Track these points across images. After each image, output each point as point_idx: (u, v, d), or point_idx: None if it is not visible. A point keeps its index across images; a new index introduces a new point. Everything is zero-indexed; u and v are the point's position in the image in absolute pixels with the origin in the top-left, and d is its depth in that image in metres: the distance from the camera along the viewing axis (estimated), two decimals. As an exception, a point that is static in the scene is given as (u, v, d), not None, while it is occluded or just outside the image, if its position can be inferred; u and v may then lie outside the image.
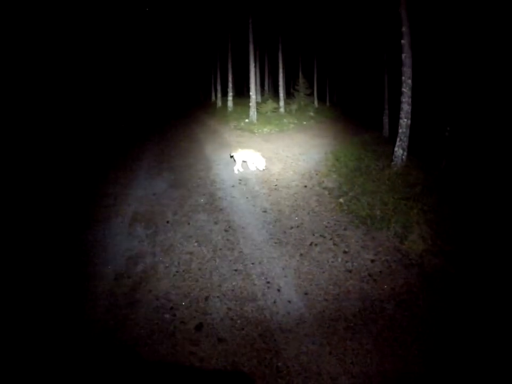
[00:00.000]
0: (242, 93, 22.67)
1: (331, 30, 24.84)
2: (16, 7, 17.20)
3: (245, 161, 11.35)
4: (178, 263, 6.52)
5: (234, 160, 11.15)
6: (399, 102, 11.50)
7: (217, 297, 5.68)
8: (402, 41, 10.89)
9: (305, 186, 10.18)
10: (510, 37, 12.55)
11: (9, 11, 16.94)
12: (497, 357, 4.74)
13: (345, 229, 7.93)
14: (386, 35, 16.35)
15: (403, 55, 10.95)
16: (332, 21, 23.61)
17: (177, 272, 6.27)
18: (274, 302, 5.61)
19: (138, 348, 4.69)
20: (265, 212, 8.69)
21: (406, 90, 11.02)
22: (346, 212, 8.72)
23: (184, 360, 4.52)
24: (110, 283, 5.97)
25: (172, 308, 5.42)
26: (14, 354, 4.57)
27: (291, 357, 4.62)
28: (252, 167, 11.31)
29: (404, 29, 10.84)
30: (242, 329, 5.06)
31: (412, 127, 11.36)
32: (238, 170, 11.19)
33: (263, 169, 11.08)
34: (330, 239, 7.53)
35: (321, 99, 27.02)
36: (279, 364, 4.50)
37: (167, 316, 5.27)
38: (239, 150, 11.46)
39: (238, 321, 5.19)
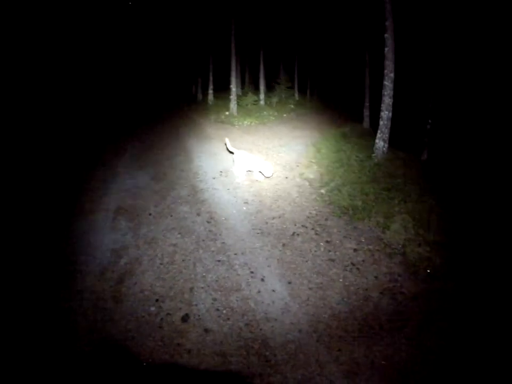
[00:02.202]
0: (223, 86, 22.55)
1: (313, 22, 24.75)
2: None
3: (250, 171, 10.30)
4: (162, 255, 6.51)
5: (233, 159, 10.45)
6: (380, 95, 11.60)
7: (202, 288, 5.69)
8: (386, 35, 10.94)
9: (286, 177, 10.22)
10: (490, 32, 12.75)
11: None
12: (485, 344, 4.84)
13: (326, 219, 8.00)
14: (369, 28, 16.40)
15: (386, 49, 11.01)
16: (313, 13, 23.57)
17: (161, 264, 6.27)
18: (259, 291, 5.64)
19: (127, 342, 4.70)
20: (246, 203, 8.73)
21: (388, 83, 11.09)
22: (327, 202, 8.79)
23: (172, 352, 4.53)
24: (95, 277, 5.95)
25: (157, 300, 5.42)
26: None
27: (278, 345, 4.66)
28: (257, 175, 10.23)
29: (387, 22, 10.88)
30: (228, 319, 5.08)
31: (394, 120, 11.47)
32: (239, 177, 10.27)
33: (270, 176, 10.10)
34: (312, 229, 7.59)
35: (302, 91, 26.97)
36: (267, 353, 4.54)
37: (153, 308, 5.26)
38: (242, 150, 10.62)
39: (224, 312, 5.21)
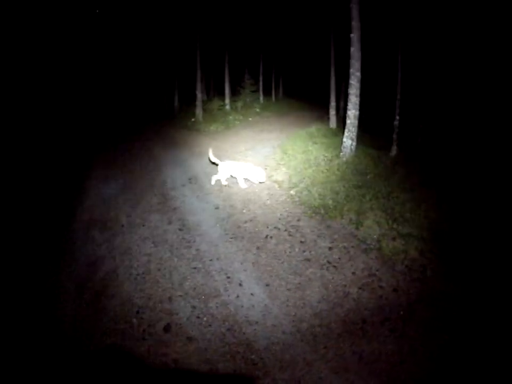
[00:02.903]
0: (189, 94, 22.50)
1: (278, 23, 24.95)
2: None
3: (233, 177, 10.15)
4: (138, 266, 6.44)
5: (218, 170, 10.20)
6: (346, 94, 11.74)
7: (180, 296, 5.66)
8: (352, 35, 11.07)
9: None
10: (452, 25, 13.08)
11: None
12: (468, 329, 4.96)
13: (299, 220, 8.05)
14: (335, 28, 16.57)
15: (352, 49, 11.14)
16: (278, 13, 23.74)
17: (137, 275, 6.20)
18: (238, 296, 5.64)
19: (112, 356, 4.65)
20: (217, 208, 8.73)
21: (354, 82, 11.23)
22: (298, 203, 8.85)
23: (158, 363, 4.50)
24: (73, 292, 5.86)
25: (138, 312, 5.36)
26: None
27: (263, 348, 4.67)
28: (242, 183, 10.03)
29: (353, 23, 11.01)
30: (210, 325, 5.06)
31: (363, 118, 11.62)
32: (223, 183, 10.16)
33: (263, 182, 9.95)
34: (285, 230, 7.62)
35: (268, 94, 27.15)
36: (253, 357, 4.54)
37: (134, 320, 5.21)
38: (226, 160, 10.42)
39: (204, 319, 5.19)
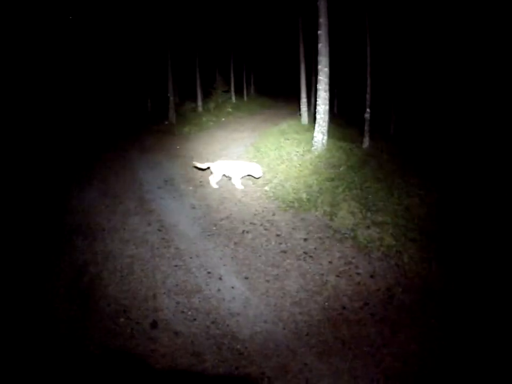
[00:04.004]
0: (161, 97, 22.45)
1: (247, 24, 25.04)
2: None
3: (227, 176, 10.18)
4: (121, 268, 6.55)
5: (211, 172, 10.20)
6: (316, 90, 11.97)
7: (164, 293, 5.82)
8: (319, 31, 11.34)
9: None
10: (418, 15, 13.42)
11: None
12: (444, 311, 5.25)
13: (273, 214, 8.30)
14: (304, 25, 16.72)
15: (319, 45, 11.42)
16: (247, 14, 23.86)
17: (121, 276, 6.32)
18: (219, 290, 5.85)
19: (103, 356, 4.76)
20: (193, 208, 8.91)
21: (323, 78, 11.50)
22: (272, 198, 9.10)
23: (148, 359, 4.64)
24: (61, 297, 5.92)
25: (124, 311, 5.49)
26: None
27: (247, 338, 4.88)
28: (238, 184, 10.06)
29: (321, 20, 11.27)
30: (195, 319, 5.25)
31: (333, 112, 11.86)
32: (217, 184, 10.13)
33: (260, 176, 9.99)
34: (261, 225, 7.87)
35: (239, 93, 27.17)
36: (238, 346, 4.74)
37: (122, 319, 5.34)
38: (218, 160, 10.46)
39: (189, 313, 5.37)
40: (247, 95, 28.15)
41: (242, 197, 9.31)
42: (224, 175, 10.13)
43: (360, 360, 4.50)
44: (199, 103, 22.23)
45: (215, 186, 10.08)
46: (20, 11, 20.70)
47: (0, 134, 15.93)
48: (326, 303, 5.48)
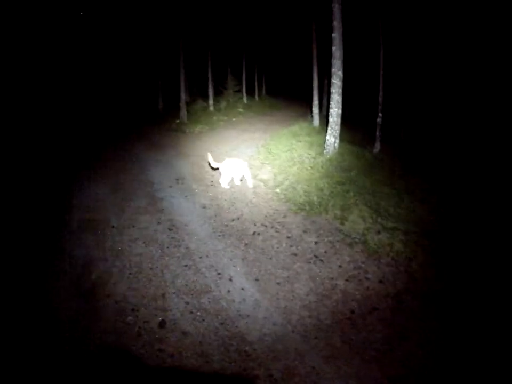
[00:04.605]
0: (172, 95, 22.46)
1: (260, 25, 25.02)
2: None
3: (238, 176, 10.19)
4: (130, 266, 6.56)
5: (220, 172, 10.19)
6: (329, 93, 11.92)
7: (173, 293, 5.81)
8: (333, 34, 11.27)
9: (241, 180, 10.37)
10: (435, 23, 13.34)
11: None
12: (454, 317, 5.20)
13: (284, 217, 8.26)
14: (317, 29, 16.68)
15: (333, 48, 11.35)
16: (260, 16, 23.83)
17: (130, 274, 6.32)
18: (228, 291, 5.83)
19: (108, 354, 4.75)
20: (204, 207, 8.89)
21: (336, 81, 11.44)
22: (283, 200, 9.06)
23: (155, 358, 4.63)
24: (67, 293, 5.92)
25: (132, 310, 5.48)
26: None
27: (256, 340, 4.86)
28: (238, 181, 10.24)
29: (335, 23, 11.22)
30: (203, 320, 5.23)
31: (347, 116, 11.83)
32: (229, 184, 10.12)
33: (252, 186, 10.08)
34: (272, 227, 7.84)
35: (251, 93, 27.12)
36: (247, 348, 4.72)
37: (130, 318, 5.33)
38: (226, 159, 10.33)
39: (198, 314, 5.36)
40: (259, 95, 28.11)
41: (253, 198, 9.29)
42: (233, 174, 10.12)
43: (367, 364, 4.47)
44: (211, 102, 22.17)
45: (226, 186, 10.04)
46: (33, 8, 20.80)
47: (13, 129, 16.07)
48: (335, 307, 5.45)
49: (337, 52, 11.31)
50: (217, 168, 10.33)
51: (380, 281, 6.01)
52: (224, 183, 10.07)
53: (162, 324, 5.19)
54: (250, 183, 10.12)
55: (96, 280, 6.24)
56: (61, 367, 4.58)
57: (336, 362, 4.50)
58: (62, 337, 5.05)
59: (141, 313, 5.42)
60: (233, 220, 8.21)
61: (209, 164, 10.65)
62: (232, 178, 10.21)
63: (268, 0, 22.54)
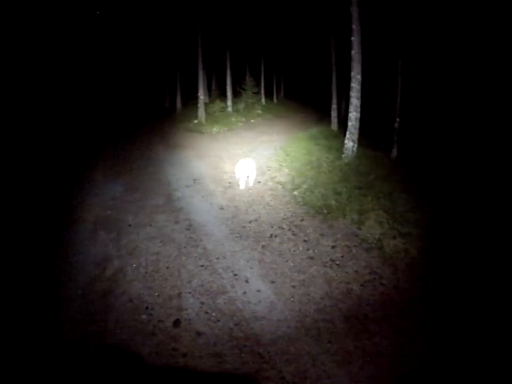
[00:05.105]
0: (190, 95, 22.58)
1: (278, 26, 25.05)
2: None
3: (250, 176, 10.21)
4: (146, 264, 6.58)
5: (235, 172, 10.20)
6: (347, 96, 11.89)
7: (189, 293, 5.82)
8: (352, 38, 11.28)
9: (259, 182, 10.42)
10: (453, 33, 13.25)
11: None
12: (465, 325, 5.13)
13: (302, 220, 8.23)
14: (335, 32, 16.68)
15: (352, 52, 11.36)
16: (279, 17, 23.84)
17: (146, 273, 6.34)
18: (244, 292, 5.82)
19: (121, 351, 4.76)
20: (222, 208, 8.89)
21: (355, 85, 11.42)
22: (301, 203, 9.01)
23: (168, 357, 4.62)
24: (82, 289, 5.95)
25: (147, 308, 5.50)
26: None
27: (269, 342, 4.84)
28: (252, 180, 10.28)
29: (354, 26, 11.23)
30: (218, 320, 5.23)
31: (363, 120, 11.76)
32: (244, 185, 10.16)
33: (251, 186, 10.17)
34: (289, 229, 7.81)
35: (269, 95, 27.21)
36: (260, 350, 4.70)
37: (144, 316, 5.34)
38: (240, 161, 10.26)
39: (213, 314, 5.35)
40: (277, 98, 28.14)
41: (271, 200, 9.27)
42: (247, 175, 10.16)
43: (378, 370, 4.44)
44: (229, 103, 22.21)
45: (241, 187, 10.07)
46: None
47: (32, 129, 16.23)
48: (349, 312, 5.41)
49: (356, 55, 11.31)
50: (237, 169, 10.25)
51: (395, 287, 5.96)
52: (240, 183, 10.11)
53: (176, 323, 5.19)
54: (251, 181, 10.22)
55: (111, 277, 6.28)
56: (73, 362, 4.60)
57: (348, 366, 4.47)
58: (75, 332, 5.09)
59: (155, 312, 5.43)
60: (250, 222, 8.19)
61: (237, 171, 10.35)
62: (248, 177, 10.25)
63: (287, 3, 22.49)
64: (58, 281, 6.21)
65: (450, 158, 12.16)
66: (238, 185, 10.11)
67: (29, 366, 4.56)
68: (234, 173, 10.33)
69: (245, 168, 10.02)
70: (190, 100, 22.51)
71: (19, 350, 4.78)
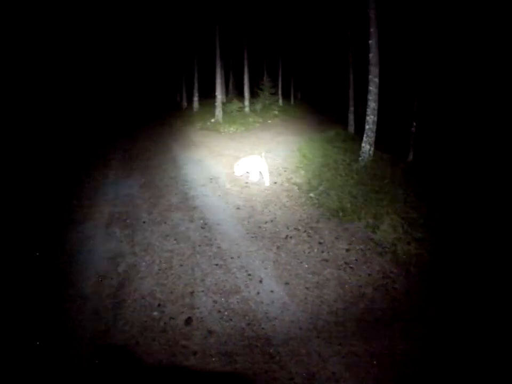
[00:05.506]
0: (207, 94, 22.70)
1: (297, 30, 25.07)
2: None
3: (248, 172, 10.53)
4: (160, 261, 6.60)
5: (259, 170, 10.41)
6: (364, 99, 11.85)
7: (202, 291, 5.81)
8: (370, 41, 11.23)
9: (275, 182, 10.40)
10: (471, 36, 13.12)
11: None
12: (476, 333, 5.06)
13: (317, 222, 8.18)
14: (353, 34, 16.67)
15: (370, 55, 11.31)
16: (297, 20, 23.83)
17: (159, 270, 6.36)
18: (258, 292, 5.79)
19: (131, 347, 4.76)
20: (238, 208, 8.87)
21: (373, 88, 11.36)
22: (317, 205, 8.97)
23: (178, 355, 4.62)
24: (93, 285, 5.98)
25: (159, 305, 5.50)
26: None
27: (281, 343, 4.80)
28: (254, 178, 10.52)
29: (371, 29, 11.18)
30: (231, 320, 5.21)
31: (379, 123, 11.72)
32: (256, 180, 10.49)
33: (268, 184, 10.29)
34: (304, 231, 7.76)
35: (286, 97, 27.25)
36: (271, 351, 4.67)
37: (155, 313, 5.34)
38: (239, 160, 10.55)
39: (225, 313, 5.34)
40: (294, 99, 28.13)
41: (287, 201, 9.23)
42: (260, 172, 10.40)
43: (386, 375, 4.38)
44: (246, 103, 22.23)
45: (254, 180, 10.44)
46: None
47: (49, 124, 16.41)
48: (361, 315, 5.36)
49: (374, 58, 11.26)
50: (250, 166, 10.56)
51: (407, 292, 5.90)
52: (252, 178, 10.50)
53: (188, 321, 5.18)
54: (267, 181, 10.37)
55: (123, 274, 6.30)
56: (80, 358, 4.62)
57: (356, 369, 4.42)
58: (85, 326, 5.13)
59: (167, 309, 5.44)
60: (266, 222, 8.17)
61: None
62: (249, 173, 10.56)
63: (305, 6, 22.48)
64: (68, 276, 6.25)
65: (468, 163, 12.04)
66: (246, 184, 10.29)
67: (38, 363, 4.58)
68: (248, 173, 10.45)
69: (248, 166, 10.30)
70: (207, 99, 22.59)
71: (27, 348, 4.80)
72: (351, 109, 17.37)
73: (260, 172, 10.38)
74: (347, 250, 7.01)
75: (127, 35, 28.20)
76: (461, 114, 14.89)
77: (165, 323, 5.16)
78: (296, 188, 10.08)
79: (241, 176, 10.41)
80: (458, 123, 14.86)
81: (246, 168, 10.37)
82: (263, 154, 10.61)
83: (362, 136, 11.88)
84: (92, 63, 27.82)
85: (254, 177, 10.49)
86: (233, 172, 10.40)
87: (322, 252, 6.97)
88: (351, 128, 17.28)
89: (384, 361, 4.55)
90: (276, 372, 4.37)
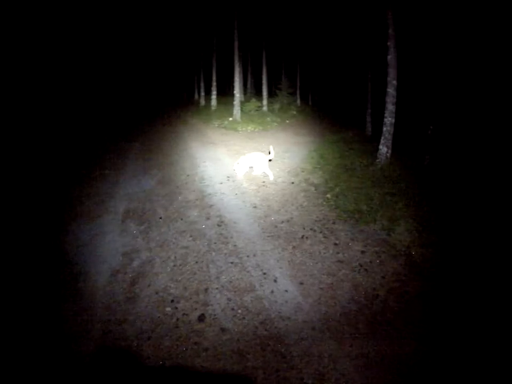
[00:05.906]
0: (224, 92, 22.82)
1: (315, 31, 25.02)
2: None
3: (251, 167, 10.84)
4: (175, 258, 6.64)
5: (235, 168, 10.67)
6: (382, 102, 11.79)
7: (216, 288, 5.83)
8: (388, 43, 11.15)
9: (292, 182, 10.39)
10: (492, 39, 12.96)
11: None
12: (487, 338, 5.02)
13: (333, 223, 8.15)
14: (371, 35, 16.60)
15: (388, 57, 11.23)
16: (316, 21, 23.79)
17: (174, 266, 6.40)
18: (272, 292, 5.79)
19: (142, 342, 4.81)
20: (255, 207, 8.87)
21: (391, 90, 11.29)
22: (333, 206, 8.93)
23: (189, 351, 4.65)
24: (107, 279, 6.06)
25: (172, 301, 5.54)
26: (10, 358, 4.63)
27: (293, 342, 4.80)
28: (258, 171, 10.82)
29: (389, 31, 11.10)
30: (244, 318, 5.22)
31: (396, 126, 11.66)
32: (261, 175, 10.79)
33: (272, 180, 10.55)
34: (320, 232, 7.74)
35: (304, 98, 27.27)
36: (282, 350, 4.67)
37: (168, 309, 5.39)
38: (241, 157, 10.83)
39: (239, 311, 5.35)
40: (312, 100, 28.11)
41: (303, 201, 9.20)
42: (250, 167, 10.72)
43: (396, 377, 4.37)
44: (264, 102, 22.25)
45: (257, 174, 10.75)
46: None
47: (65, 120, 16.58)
48: (373, 318, 5.34)
49: (392, 60, 11.19)
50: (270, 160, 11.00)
51: (419, 296, 5.86)
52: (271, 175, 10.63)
53: (201, 318, 5.21)
54: (271, 176, 10.68)
55: (137, 269, 6.37)
56: (90, 352, 4.68)
57: (366, 371, 4.41)
58: (96, 319, 5.20)
59: (180, 306, 5.47)
60: (282, 222, 8.15)
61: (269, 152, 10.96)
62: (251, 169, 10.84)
63: (322, 10, 22.45)
64: (83, 270, 6.34)
65: (486, 168, 11.92)
66: (263, 183, 10.41)
67: (49, 357, 4.65)
68: (266, 174, 10.47)
69: (249, 163, 10.55)
70: (224, 97, 22.65)
71: (38, 342, 4.89)
72: (369, 111, 17.29)
73: (263, 167, 10.63)
74: (362, 252, 6.98)
75: (146, 32, 28.37)
76: (479, 118, 14.73)
77: (177, 319, 5.20)
78: (313, 188, 10.06)
79: (243, 175, 10.56)
80: (476, 127, 14.70)
81: (248, 165, 10.68)
82: (271, 147, 10.94)
83: (379, 138, 11.81)
84: (112, 61, 28.00)
85: (257, 172, 10.75)
86: (234, 171, 10.66)
87: (338, 253, 6.95)
88: (368, 130, 17.20)
89: (396, 365, 4.54)
90: (286, 371, 4.38)
